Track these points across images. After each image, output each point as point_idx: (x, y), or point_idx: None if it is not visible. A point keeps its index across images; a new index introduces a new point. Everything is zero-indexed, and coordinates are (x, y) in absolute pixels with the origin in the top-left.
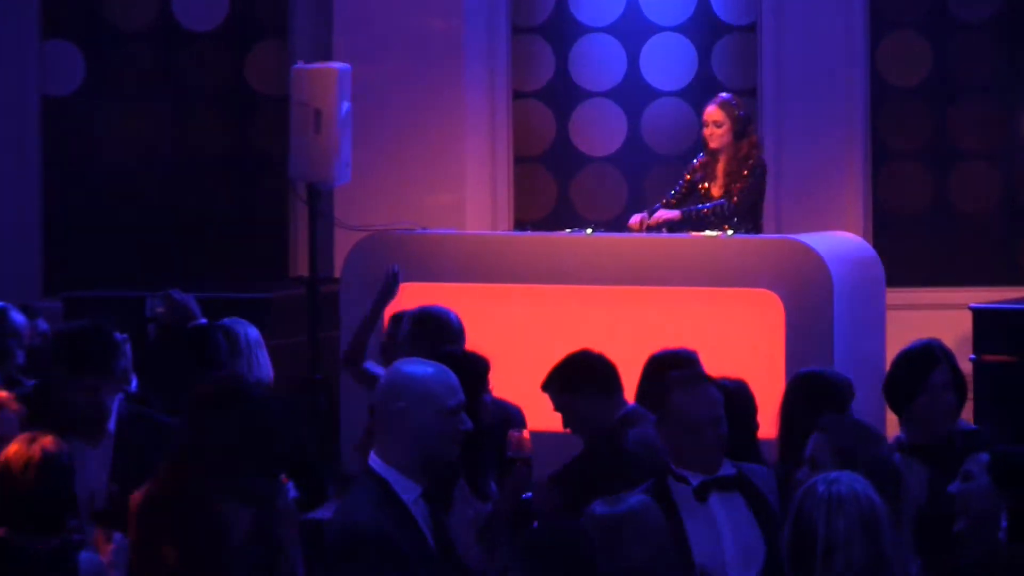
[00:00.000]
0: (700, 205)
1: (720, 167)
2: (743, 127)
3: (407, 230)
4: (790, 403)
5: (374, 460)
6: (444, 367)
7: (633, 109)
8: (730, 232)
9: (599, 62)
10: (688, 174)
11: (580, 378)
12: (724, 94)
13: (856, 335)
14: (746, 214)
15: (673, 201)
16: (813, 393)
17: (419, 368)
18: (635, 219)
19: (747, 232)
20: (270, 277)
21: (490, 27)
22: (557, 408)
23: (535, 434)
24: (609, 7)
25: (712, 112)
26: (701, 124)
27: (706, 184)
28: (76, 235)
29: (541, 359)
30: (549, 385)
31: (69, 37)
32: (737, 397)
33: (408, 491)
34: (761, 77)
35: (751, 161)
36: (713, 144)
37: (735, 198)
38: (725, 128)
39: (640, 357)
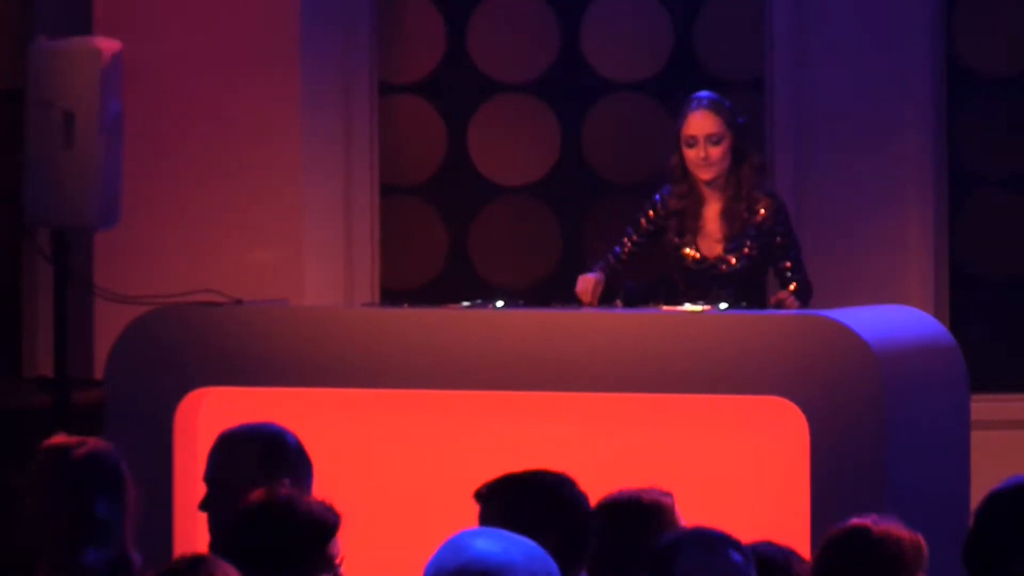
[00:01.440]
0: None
1: (712, 211)
2: (744, 142)
3: (211, 303)
4: (825, 574)
5: None
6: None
7: (571, 108)
8: (723, 306)
9: (513, 41)
10: (646, 219)
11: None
12: (705, 92)
13: (922, 466)
14: (754, 278)
15: (624, 257)
16: (859, 559)
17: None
18: (586, 283)
19: (749, 305)
20: None
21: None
22: None
23: None
24: None
25: (701, 119)
26: (677, 141)
27: (680, 237)
28: None
29: (425, 507)
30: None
31: None
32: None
33: None
34: (770, 61)
35: (766, 202)
36: (706, 173)
37: (788, 264)
38: (725, 145)
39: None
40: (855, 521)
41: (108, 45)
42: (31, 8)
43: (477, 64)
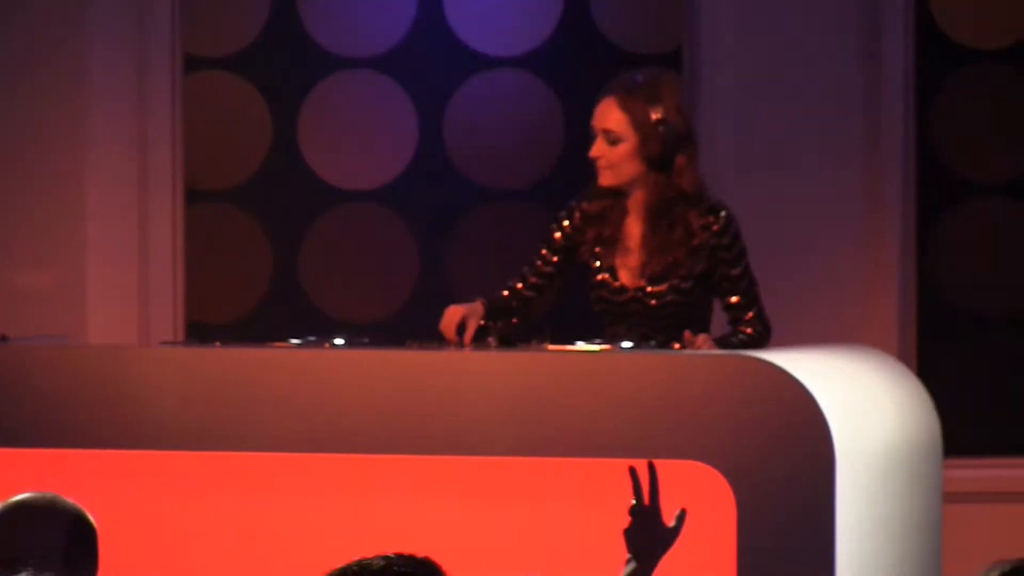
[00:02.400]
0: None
1: (633, 229)
2: (673, 140)
3: None
4: None
5: None
6: None
7: (431, 90)
8: (626, 344)
9: (358, 5)
10: (560, 231)
11: None
12: (637, 74)
13: (882, 546)
14: (692, 316)
15: (533, 282)
16: None
17: None
18: (452, 315)
19: (665, 343)
20: None
21: None
22: None
23: None
24: None
25: (602, 109)
26: (591, 132)
27: (596, 257)
28: None
29: None
30: None
31: None
32: None
33: None
34: (691, 28)
35: (707, 220)
36: (602, 177)
37: (736, 299)
38: (626, 148)
39: None
40: None
41: None
42: None
43: (310, 33)
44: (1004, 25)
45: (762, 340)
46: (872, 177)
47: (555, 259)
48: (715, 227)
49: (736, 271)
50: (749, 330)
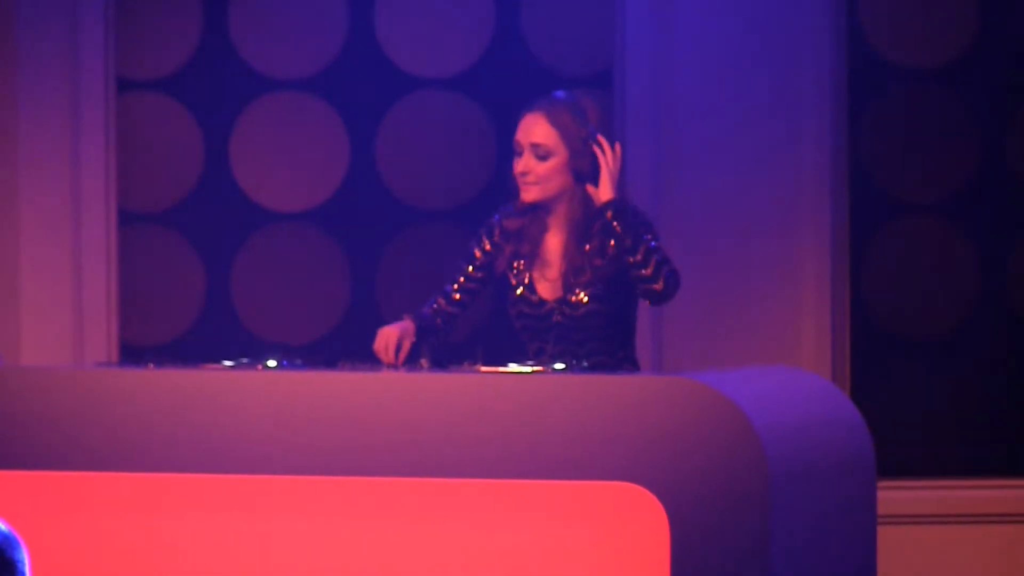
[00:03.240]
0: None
1: (553, 243)
2: (589, 164)
3: None
4: None
5: None
6: None
7: (362, 111)
8: (559, 365)
9: (288, 26)
10: (479, 248)
11: None
12: (559, 93)
13: (818, 564)
14: (614, 326)
15: (457, 298)
16: None
17: None
18: (387, 336)
19: (598, 364)
20: None
21: None
22: None
23: None
24: None
25: (529, 124)
26: (514, 148)
27: (513, 271)
28: None
29: None
30: None
31: None
32: None
33: None
34: (620, 50)
35: (606, 216)
36: (526, 192)
37: (638, 257)
38: (555, 163)
39: None
40: None
41: None
42: None
43: (242, 55)
44: (937, 43)
45: (671, 284)
46: (803, 198)
47: (479, 275)
48: (612, 215)
49: (630, 237)
50: (660, 284)
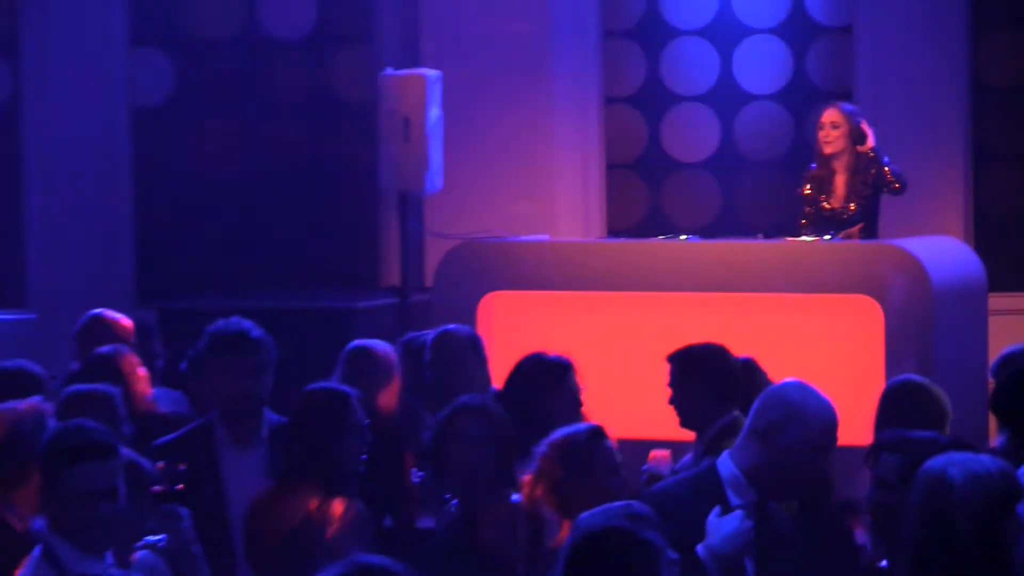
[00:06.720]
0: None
1: (839, 181)
2: (860, 136)
3: (498, 238)
4: (882, 415)
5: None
6: None
7: (726, 113)
8: (827, 237)
9: (691, 66)
10: (805, 189)
11: (699, 374)
12: (844, 104)
13: (958, 341)
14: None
15: (805, 222)
16: (904, 406)
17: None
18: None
19: (866, 238)
20: (360, 287)
21: (579, 31)
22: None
23: (621, 442)
24: (701, 9)
25: (831, 112)
26: (818, 127)
27: (823, 196)
28: (167, 245)
29: (633, 367)
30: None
31: (157, 45)
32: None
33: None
34: (857, 80)
35: (871, 174)
36: (828, 148)
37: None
38: (842, 131)
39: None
40: (904, 378)
41: (432, 72)
42: (378, 50)
43: (666, 84)
44: None
45: (901, 178)
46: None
47: (811, 209)
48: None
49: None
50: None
